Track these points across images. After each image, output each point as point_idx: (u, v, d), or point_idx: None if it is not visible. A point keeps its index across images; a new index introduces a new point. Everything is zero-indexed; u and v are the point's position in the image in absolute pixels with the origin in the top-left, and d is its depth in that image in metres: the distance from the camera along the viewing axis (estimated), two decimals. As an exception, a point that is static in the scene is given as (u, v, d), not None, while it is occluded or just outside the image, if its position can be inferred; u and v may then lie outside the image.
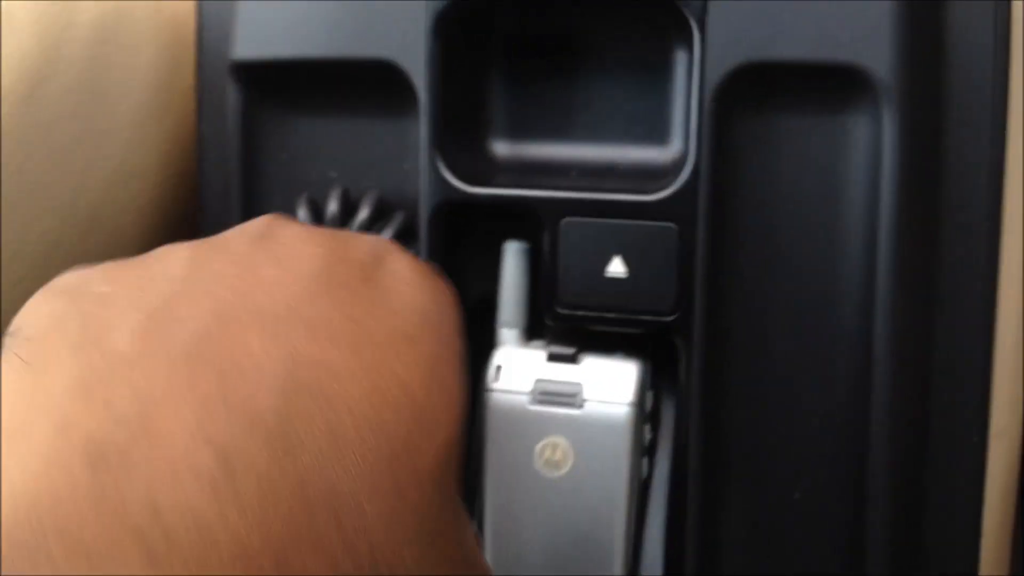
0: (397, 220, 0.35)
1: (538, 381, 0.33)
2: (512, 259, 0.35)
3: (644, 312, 0.32)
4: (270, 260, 0.22)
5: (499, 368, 0.33)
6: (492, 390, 0.33)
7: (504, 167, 0.36)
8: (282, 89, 0.37)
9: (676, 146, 0.34)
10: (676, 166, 0.33)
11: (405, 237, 0.34)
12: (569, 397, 0.32)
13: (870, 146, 0.31)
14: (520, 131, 0.36)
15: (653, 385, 0.35)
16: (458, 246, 0.36)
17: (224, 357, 0.18)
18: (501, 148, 0.36)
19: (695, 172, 0.32)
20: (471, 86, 0.36)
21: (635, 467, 0.33)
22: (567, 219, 0.33)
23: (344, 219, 0.35)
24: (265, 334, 0.19)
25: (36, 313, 0.20)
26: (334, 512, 0.17)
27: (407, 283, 0.23)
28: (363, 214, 0.34)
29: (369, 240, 0.26)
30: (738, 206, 0.33)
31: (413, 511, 0.19)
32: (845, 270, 0.32)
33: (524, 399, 0.33)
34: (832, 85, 0.32)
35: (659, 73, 0.34)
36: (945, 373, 0.33)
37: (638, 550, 0.34)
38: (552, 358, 0.33)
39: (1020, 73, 0.31)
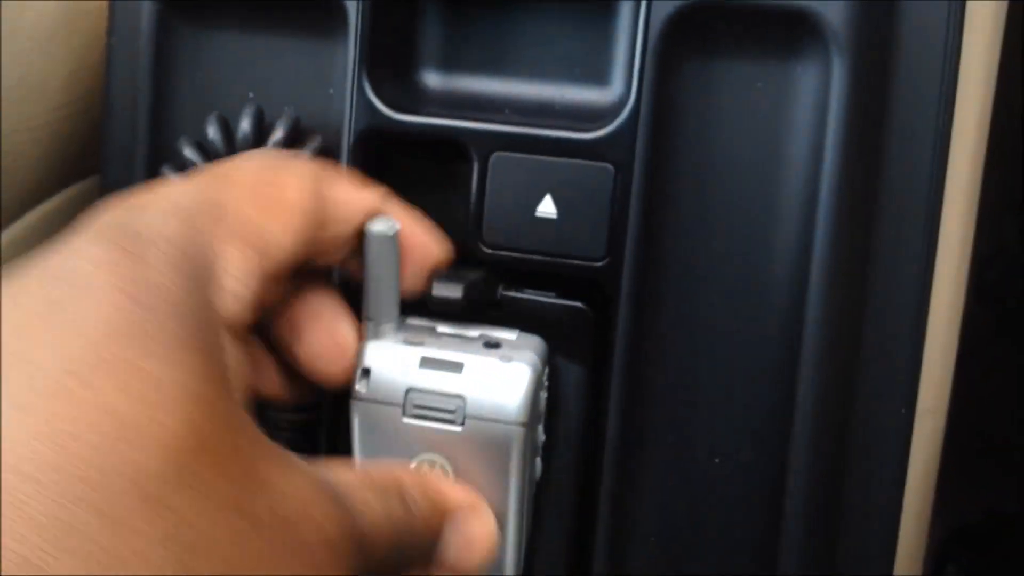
0: (314, 143, 0.32)
1: (412, 391, 0.28)
2: (376, 247, 0.28)
3: (574, 256, 0.31)
4: None
5: (367, 371, 0.29)
6: (360, 398, 0.29)
7: (434, 98, 0.34)
8: (200, 2, 0.35)
9: (617, 88, 0.33)
10: (616, 108, 0.31)
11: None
12: (449, 412, 0.28)
13: (817, 96, 0.30)
14: (454, 63, 0.34)
15: (552, 356, 0.32)
16: (381, 181, 0.34)
17: None
18: (433, 79, 0.34)
19: (635, 113, 0.30)
20: (405, 11, 0.34)
21: (524, 479, 0.29)
22: (497, 154, 0.31)
23: (257, 140, 0.32)
24: None
25: None
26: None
27: (91, 291, 0.21)
28: (277, 135, 0.32)
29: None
30: (678, 151, 0.31)
31: (146, 513, 0.19)
32: (783, 226, 0.31)
33: (396, 411, 0.28)
34: (781, 31, 0.30)
35: (603, 11, 0.33)
36: (877, 343, 0.32)
37: (533, 547, 0.33)
38: (428, 364, 0.29)
39: (974, 28, 0.31)
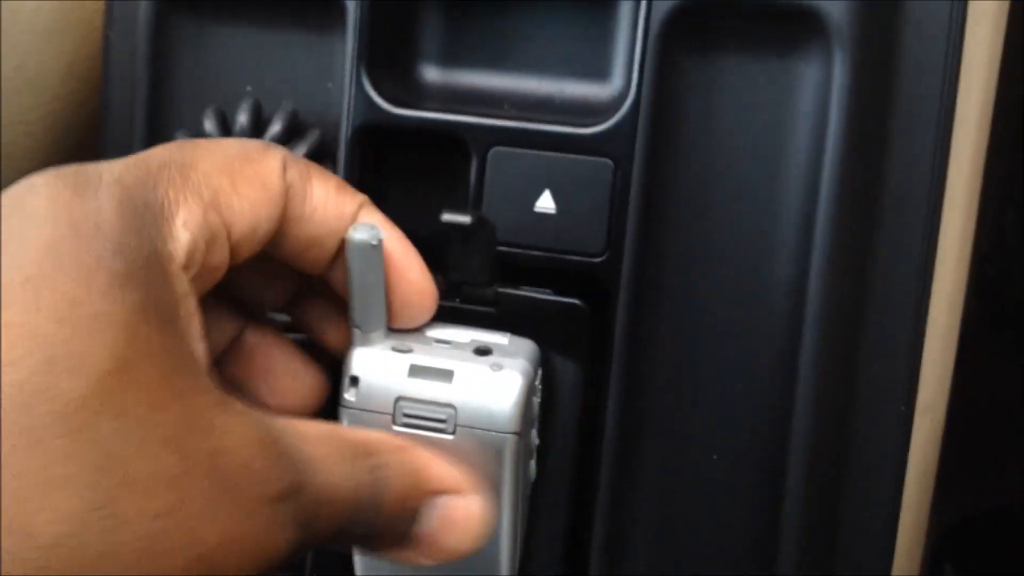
0: (311, 138, 0.32)
1: (402, 400, 0.28)
2: (358, 255, 0.27)
3: (572, 251, 0.31)
4: None
5: (356, 379, 0.28)
6: (348, 406, 0.28)
7: (433, 93, 0.34)
8: (199, -6, 0.35)
9: (617, 83, 0.33)
10: (616, 103, 0.31)
11: (318, 156, 0.32)
12: (440, 422, 0.27)
13: (818, 92, 0.30)
14: (453, 57, 0.34)
15: (546, 348, 0.31)
16: (379, 176, 0.34)
17: None
18: (432, 73, 0.34)
19: (634, 108, 0.30)
20: (404, 5, 0.33)
21: (517, 484, 0.29)
22: (496, 148, 0.31)
23: (255, 133, 0.32)
24: None
25: None
26: None
27: (33, 220, 0.22)
28: (275, 128, 0.32)
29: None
30: (678, 147, 0.31)
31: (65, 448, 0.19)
32: (783, 223, 0.31)
33: (386, 419, 0.28)
34: (783, 27, 0.30)
35: (603, 6, 0.33)
36: (876, 340, 0.32)
37: (529, 548, 0.32)
38: (417, 372, 0.28)
39: (975, 25, 0.30)
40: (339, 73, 0.33)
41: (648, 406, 0.32)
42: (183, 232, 0.23)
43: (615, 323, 0.31)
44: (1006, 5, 0.33)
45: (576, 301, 0.31)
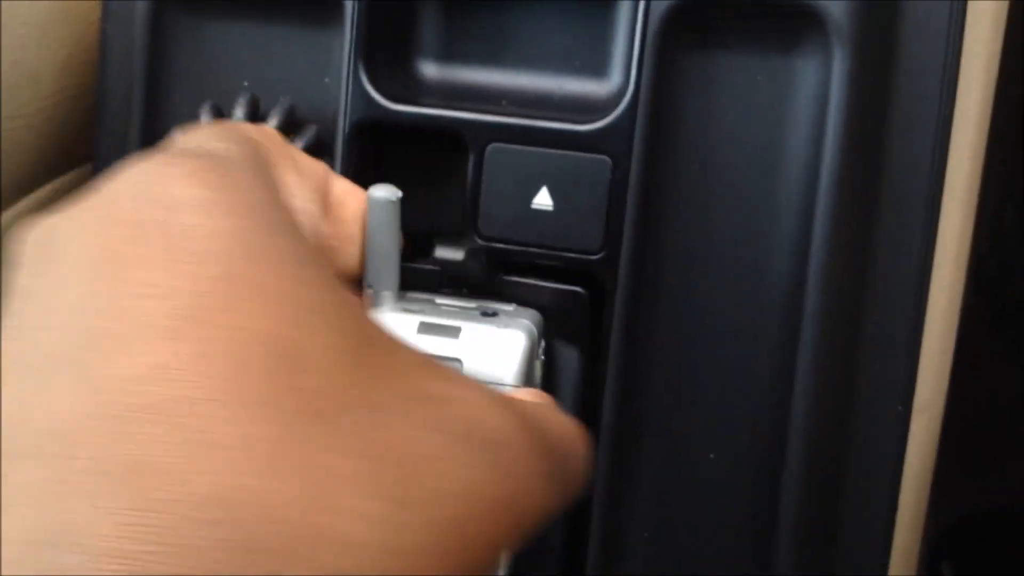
0: (308, 133, 0.32)
1: None
2: (378, 212, 0.28)
3: (569, 248, 0.31)
4: None
5: None
6: None
7: (431, 89, 0.33)
8: (196, -11, 0.34)
9: (616, 80, 0.32)
10: (614, 100, 0.31)
11: (316, 152, 0.32)
12: None
13: (817, 90, 0.30)
14: (451, 53, 0.34)
15: (548, 335, 0.32)
16: (377, 172, 0.33)
17: None
18: (430, 69, 0.34)
19: (633, 105, 0.30)
20: (402, 1, 0.33)
21: None
22: (494, 145, 0.31)
23: (253, 129, 0.32)
24: None
25: None
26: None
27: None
28: (272, 124, 0.32)
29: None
30: (676, 144, 0.31)
31: None
32: (781, 220, 0.31)
33: None
34: (783, 24, 0.30)
35: (602, 3, 0.32)
36: (875, 337, 0.32)
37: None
38: (426, 328, 0.29)
39: (975, 23, 0.30)
40: (336, 68, 0.33)
41: (646, 404, 0.32)
42: (297, 202, 0.23)
43: (612, 320, 0.31)
44: (1005, 5, 0.32)
45: (577, 288, 0.31)
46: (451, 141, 0.31)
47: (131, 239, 0.18)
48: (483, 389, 0.21)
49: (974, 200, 0.33)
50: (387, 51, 0.33)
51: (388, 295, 0.29)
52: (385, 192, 0.28)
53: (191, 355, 0.16)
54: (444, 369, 0.20)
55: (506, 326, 0.29)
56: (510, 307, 0.31)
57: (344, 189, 0.27)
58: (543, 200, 0.31)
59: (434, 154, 0.33)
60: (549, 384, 0.32)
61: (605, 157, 0.30)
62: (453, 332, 0.29)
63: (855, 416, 0.32)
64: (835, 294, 0.30)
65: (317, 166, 0.27)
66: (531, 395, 0.26)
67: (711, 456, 0.32)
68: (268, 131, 0.26)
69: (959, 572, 0.42)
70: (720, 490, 0.32)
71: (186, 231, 0.18)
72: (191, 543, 0.14)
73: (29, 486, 0.14)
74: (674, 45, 0.30)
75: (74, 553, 0.14)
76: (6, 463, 0.15)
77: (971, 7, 0.31)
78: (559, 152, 0.30)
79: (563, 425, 0.23)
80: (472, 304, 0.31)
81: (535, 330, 0.30)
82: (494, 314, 0.30)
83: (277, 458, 0.15)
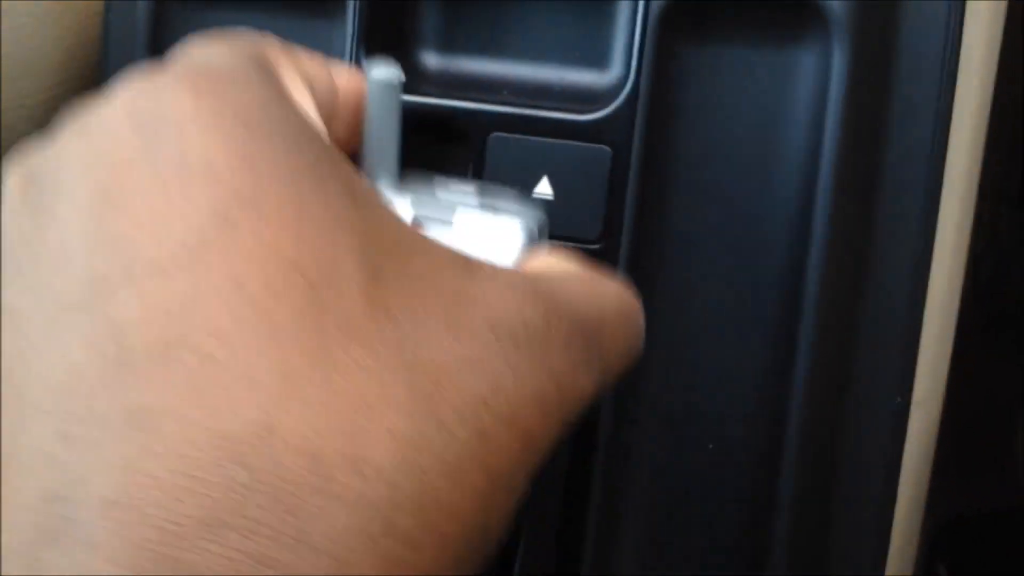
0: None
1: None
2: (378, 95, 0.27)
3: (570, 237, 0.31)
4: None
5: None
6: None
7: (432, 79, 0.33)
8: (198, -21, 0.35)
9: (616, 71, 0.33)
10: (614, 91, 0.31)
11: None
12: None
13: (817, 83, 0.30)
14: (452, 44, 0.34)
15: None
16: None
17: None
18: (430, 60, 0.34)
19: (633, 95, 0.30)
20: (404, -9, 0.33)
21: None
22: (495, 134, 0.31)
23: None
24: None
25: None
26: None
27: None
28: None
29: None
30: (676, 135, 0.31)
31: None
32: (780, 213, 0.31)
33: None
34: (783, 17, 0.30)
35: None
36: (873, 333, 0.32)
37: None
38: (422, 219, 0.27)
39: (975, 20, 0.31)
40: (338, 59, 0.33)
41: (643, 393, 0.32)
42: (305, 111, 0.22)
43: None
44: (1004, 4, 0.33)
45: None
46: (452, 131, 0.32)
47: (125, 167, 0.17)
48: (511, 279, 0.19)
49: (972, 197, 0.33)
50: (388, 41, 0.33)
51: (385, 183, 0.28)
52: (385, 73, 0.26)
53: (201, 289, 0.15)
54: (470, 263, 0.19)
55: (504, 215, 0.27)
56: (512, 203, 0.29)
57: (346, 79, 0.26)
58: (544, 190, 0.31)
59: (435, 144, 0.33)
60: None
61: (605, 147, 0.30)
62: (447, 223, 0.27)
63: (852, 411, 0.32)
64: (833, 287, 0.30)
65: (321, 65, 0.26)
66: (559, 259, 0.24)
67: (709, 446, 0.32)
68: (267, 37, 0.24)
69: (955, 572, 0.42)
70: (715, 488, 0.32)
71: (186, 152, 0.17)
72: (214, 483, 0.14)
73: (35, 440, 0.14)
74: (674, 37, 0.31)
75: (83, 506, 0.13)
76: (8, 418, 0.15)
77: (970, 7, 0.31)
78: (560, 142, 0.31)
79: (600, 297, 0.22)
80: (473, 198, 0.29)
81: (535, 224, 0.28)
82: (494, 206, 0.28)
83: (305, 387, 0.15)
